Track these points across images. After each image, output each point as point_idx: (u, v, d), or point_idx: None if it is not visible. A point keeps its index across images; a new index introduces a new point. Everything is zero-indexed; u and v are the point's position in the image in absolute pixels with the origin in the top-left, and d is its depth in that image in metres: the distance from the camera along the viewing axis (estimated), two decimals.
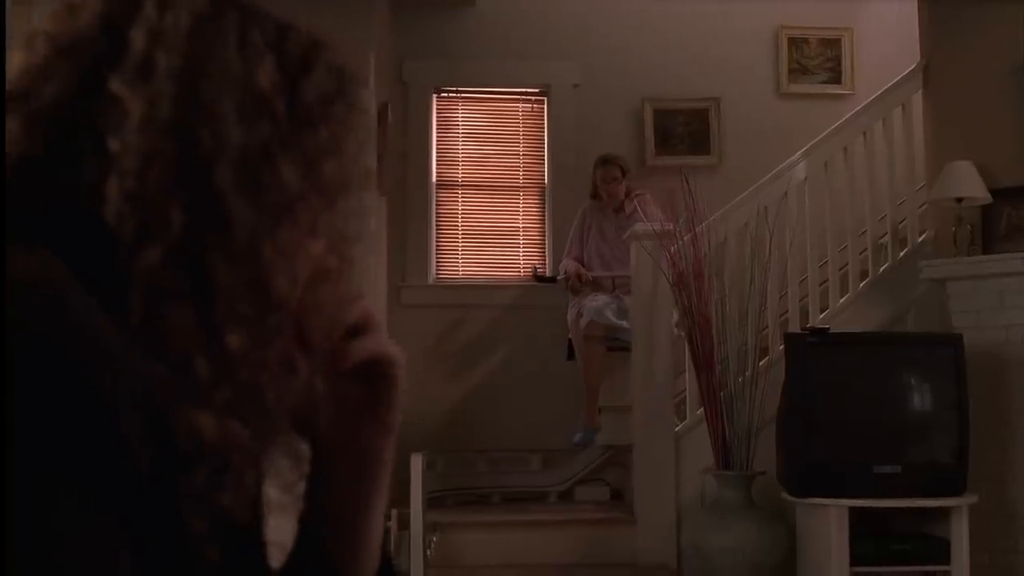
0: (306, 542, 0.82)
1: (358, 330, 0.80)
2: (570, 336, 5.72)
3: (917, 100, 5.48)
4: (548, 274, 6.32)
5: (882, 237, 5.40)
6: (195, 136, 0.67)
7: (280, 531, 0.80)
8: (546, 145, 6.75)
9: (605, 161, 5.93)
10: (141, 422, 0.60)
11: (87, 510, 0.56)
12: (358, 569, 0.83)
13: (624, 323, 5.44)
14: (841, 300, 5.25)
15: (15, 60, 0.71)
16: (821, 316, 5.13)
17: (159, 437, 0.61)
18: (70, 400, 0.56)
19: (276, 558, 0.79)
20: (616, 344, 5.56)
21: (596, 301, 5.53)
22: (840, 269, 5.29)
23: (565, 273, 5.81)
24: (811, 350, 4.43)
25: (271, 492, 0.77)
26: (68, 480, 0.55)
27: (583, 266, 5.82)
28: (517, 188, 6.81)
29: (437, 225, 6.70)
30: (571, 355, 5.72)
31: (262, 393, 0.69)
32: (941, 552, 4.18)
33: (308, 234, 0.71)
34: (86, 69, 0.69)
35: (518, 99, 6.83)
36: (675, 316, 4.99)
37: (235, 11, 0.72)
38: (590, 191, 5.99)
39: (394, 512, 4.15)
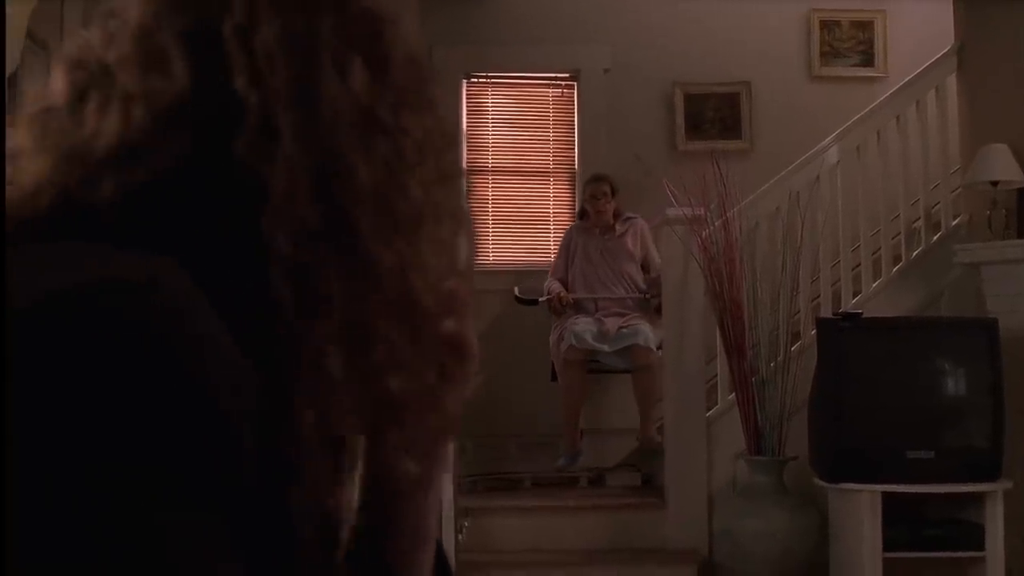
0: (363, 534, 0.81)
1: (447, 309, 0.80)
2: (552, 359, 5.64)
3: (951, 83, 5.43)
4: (530, 296, 6.09)
5: (915, 221, 5.36)
6: (332, 192, 0.63)
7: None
8: (576, 130, 6.74)
9: (595, 178, 5.87)
10: (254, 436, 0.59)
11: (188, 515, 0.55)
12: (416, 557, 0.83)
13: (605, 347, 5.37)
14: (874, 285, 5.22)
15: (109, 125, 0.65)
16: (853, 301, 5.10)
17: (270, 452, 0.61)
18: (176, 413, 0.55)
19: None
20: (597, 367, 5.52)
21: (577, 324, 5.44)
22: (873, 253, 5.26)
23: (549, 294, 5.71)
24: (843, 335, 4.41)
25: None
26: (160, 477, 0.54)
27: (566, 287, 5.74)
28: (547, 174, 6.80)
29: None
30: (556, 376, 5.63)
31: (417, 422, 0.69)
32: (975, 538, 4.15)
33: (432, 242, 0.68)
34: (198, 136, 0.64)
35: (548, 84, 6.83)
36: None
37: (318, 15, 0.67)
38: (578, 211, 5.94)
39: None
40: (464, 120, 6.72)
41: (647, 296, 5.60)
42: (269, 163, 0.63)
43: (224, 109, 0.64)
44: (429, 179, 0.69)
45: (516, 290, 6.04)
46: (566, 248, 5.85)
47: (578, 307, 5.65)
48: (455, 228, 0.71)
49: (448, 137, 0.72)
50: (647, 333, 5.31)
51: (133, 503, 0.54)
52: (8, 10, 2.90)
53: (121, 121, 0.65)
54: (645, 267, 5.72)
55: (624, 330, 5.37)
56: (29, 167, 0.66)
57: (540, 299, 5.76)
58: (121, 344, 0.55)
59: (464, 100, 6.72)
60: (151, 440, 0.55)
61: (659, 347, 5.38)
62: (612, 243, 5.70)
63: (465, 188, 0.74)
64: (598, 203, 5.70)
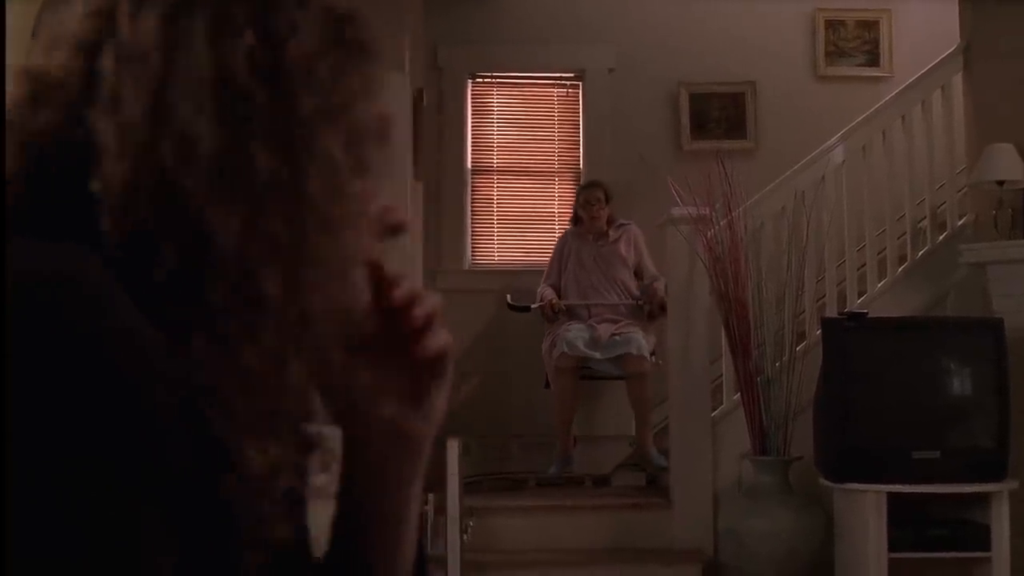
0: (342, 535, 0.81)
1: (428, 322, 0.78)
2: (545, 366, 5.62)
3: (957, 82, 5.42)
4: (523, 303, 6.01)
5: (921, 221, 5.35)
6: (167, 157, 0.64)
7: (323, 518, 0.80)
8: (581, 130, 6.74)
9: (589, 184, 5.88)
10: (181, 425, 0.59)
11: (121, 507, 0.55)
12: (394, 563, 0.83)
13: (596, 354, 5.37)
14: (879, 284, 5.21)
15: (10, 98, 0.70)
16: (859, 301, 5.09)
17: (201, 440, 0.61)
18: (103, 400, 0.55)
19: (319, 548, 0.80)
20: (589, 374, 5.50)
21: (569, 332, 5.42)
22: (878, 253, 5.25)
23: (541, 301, 5.70)
24: (849, 335, 4.40)
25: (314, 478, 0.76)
26: (93, 472, 0.54)
27: (559, 294, 5.72)
28: (552, 173, 6.80)
29: (472, 210, 6.70)
30: (549, 383, 5.61)
31: (288, 403, 0.67)
32: (981, 538, 4.14)
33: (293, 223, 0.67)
34: (72, 104, 0.67)
35: (553, 84, 6.82)
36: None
37: None
38: (572, 217, 5.94)
39: (430, 497, 4.17)
40: (469, 120, 6.72)
41: (640, 303, 5.60)
42: (109, 124, 0.65)
43: (91, 79, 0.67)
44: (302, 163, 0.67)
45: (508, 297, 6.03)
46: (559, 254, 5.84)
47: (571, 313, 5.64)
48: (331, 220, 0.69)
49: (350, 130, 0.70)
50: (639, 341, 5.31)
51: (65, 496, 0.53)
52: (10, 9, 2.91)
53: (15, 93, 0.70)
54: (638, 274, 5.72)
55: (616, 338, 5.37)
56: None
57: (532, 306, 5.75)
58: (39, 338, 0.55)
59: (469, 100, 6.72)
60: (84, 435, 0.54)
61: (652, 353, 5.38)
62: (605, 249, 5.69)
63: (360, 187, 0.72)
64: (592, 209, 5.70)
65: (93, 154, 0.65)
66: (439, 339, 0.79)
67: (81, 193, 0.64)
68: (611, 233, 5.72)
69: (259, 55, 0.67)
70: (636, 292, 5.66)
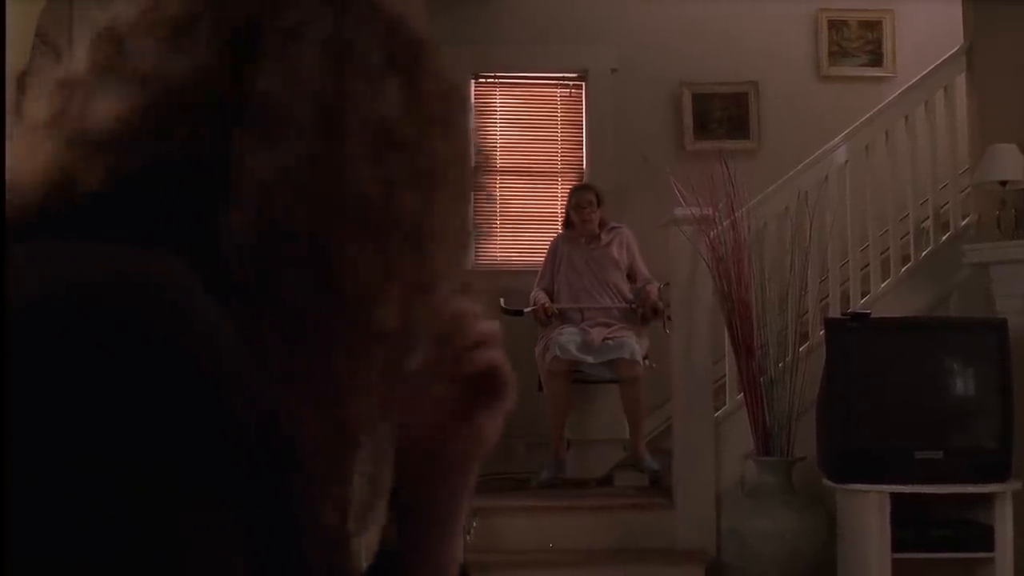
0: (386, 548, 0.81)
1: (483, 341, 0.79)
2: (537, 369, 5.59)
3: (960, 83, 5.42)
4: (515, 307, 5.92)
5: (924, 221, 5.35)
6: (324, 196, 0.62)
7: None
8: (584, 130, 6.74)
9: (580, 187, 5.89)
10: (257, 426, 0.58)
11: (198, 508, 0.55)
12: (439, 572, 0.83)
13: (589, 358, 5.36)
14: (882, 285, 5.21)
15: (103, 106, 0.63)
16: (862, 301, 5.09)
17: (275, 441, 0.60)
18: (180, 404, 0.55)
19: (365, 557, 0.80)
20: (582, 377, 5.50)
21: (562, 335, 5.41)
22: (881, 253, 5.25)
23: (534, 304, 5.69)
24: (852, 335, 4.40)
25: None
26: (175, 474, 0.54)
27: (552, 297, 5.71)
28: (555, 173, 6.80)
29: (475, 211, 6.71)
30: (542, 387, 5.59)
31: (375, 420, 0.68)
32: (984, 539, 4.15)
33: (413, 248, 0.66)
34: (206, 119, 0.62)
35: (556, 84, 6.82)
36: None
37: (357, 25, 0.66)
38: (563, 220, 5.92)
39: None
40: (472, 120, 6.72)
41: (633, 306, 5.59)
42: (258, 151, 0.62)
43: (232, 100, 0.63)
44: (435, 201, 0.67)
45: (501, 301, 6.01)
46: (552, 257, 5.83)
47: (564, 317, 5.63)
48: (404, 235, 0.67)
49: (435, 155, 0.69)
50: (632, 346, 5.30)
51: (147, 501, 0.53)
52: (10, 9, 2.91)
53: (125, 101, 0.63)
54: (631, 276, 5.71)
55: (609, 342, 5.35)
56: (44, 145, 0.64)
57: (525, 310, 5.74)
58: (130, 343, 0.55)
59: (472, 100, 6.72)
60: (165, 438, 0.54)
61: (645, 357, 5.37)
62: (597, 252, 5.68)
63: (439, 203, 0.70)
64: (584, 212, 5.68)
65: (228, 176, 0.61)
66: (491, 354, 0.79)
67: (193, 207, 0.62)
68: (603, 236, 5.71)
69: (399, 94, 0.66)
70: (629, 295, 5.64)
